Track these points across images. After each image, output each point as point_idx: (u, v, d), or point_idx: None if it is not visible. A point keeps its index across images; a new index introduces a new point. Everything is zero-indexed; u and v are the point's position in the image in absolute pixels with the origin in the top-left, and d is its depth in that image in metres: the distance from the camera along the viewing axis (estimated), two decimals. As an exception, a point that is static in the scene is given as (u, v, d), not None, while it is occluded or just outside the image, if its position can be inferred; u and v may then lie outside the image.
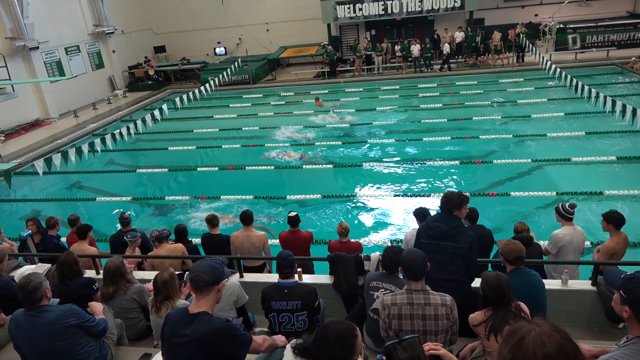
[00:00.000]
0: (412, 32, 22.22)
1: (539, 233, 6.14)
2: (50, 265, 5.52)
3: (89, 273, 5.50)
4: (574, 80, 11.94)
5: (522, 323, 1.54)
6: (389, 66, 21.48)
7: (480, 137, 12.77)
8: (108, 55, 22.34)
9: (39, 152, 14.15)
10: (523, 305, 3.23)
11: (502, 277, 3.16)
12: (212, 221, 6.24)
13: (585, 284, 4.71)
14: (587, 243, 6.42)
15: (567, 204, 5.25)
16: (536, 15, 22.84)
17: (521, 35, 19.24)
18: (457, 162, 11.31)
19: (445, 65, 20.37)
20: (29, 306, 3.37)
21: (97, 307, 3.93)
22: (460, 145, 12.47)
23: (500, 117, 14.27)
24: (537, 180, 9.93)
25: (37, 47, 17.54)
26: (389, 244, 7.97)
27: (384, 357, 3.29)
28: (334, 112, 16.00)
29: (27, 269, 5.46)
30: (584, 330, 4.60)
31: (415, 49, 20.34)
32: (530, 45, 18.02)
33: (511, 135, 12.60)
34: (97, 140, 10.60)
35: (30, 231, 6.48)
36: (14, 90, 12.84)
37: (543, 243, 5.52)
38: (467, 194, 4.25)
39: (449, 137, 12.88)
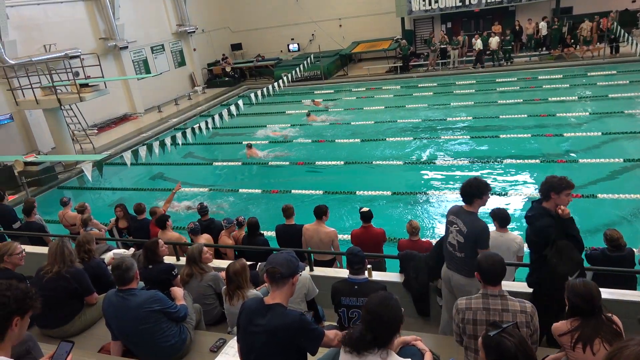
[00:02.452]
0: (490, 23, 21.22)
1: (632, 239, 5.62)
2: (134, 249, 5.94)
3: (170, 259, 5.83)
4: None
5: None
6: (465, 60, 20.69)
7: (564, 134, 11.96)
8: (189, 53, 23.52)
9: (126, 145, 15.24)
10: (615, 318, 2.97)
11: (591, 285, 2.92)
12: (286, 212, 6.29)
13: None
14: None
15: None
16: (634, 1, 20.82)
17: (615, 23, 17.66)
18: (537, 160, 10.66)
19: (478, 64, 19.60)
20: (121, 286, 3.64)
21: (178, 292, 4.15)
22: (542, 143, 11.74)
23: (587, 113, 13.26)
24: (630, 182, 9.12)
25: (127, 47, 18.89)
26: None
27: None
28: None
29: (117, 252, 5.90)
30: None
31: (494, 41, 19.39)
32: (626, 34, 16.52)
33: (600, 133, 11.67)
34: (178, 134, 11.21)
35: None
36: (106, 87, 13.92)
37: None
38: (571, 181, 3.79)
39: (529, 135, 12.18)
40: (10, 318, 2.22)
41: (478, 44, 19.41)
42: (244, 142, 13.85)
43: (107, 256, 5.82)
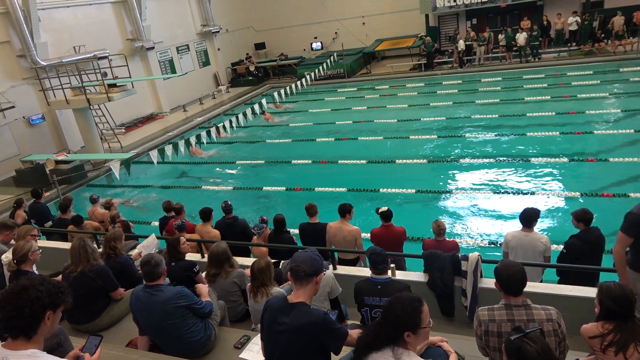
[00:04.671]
0: (517, 19, 20.78)
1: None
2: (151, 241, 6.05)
3: (194, 256, 5.92)
4: None
5: None
6: (491, 56, 20.31)
7: (595, 132, 11.62)
8: (213, 53, 23.78)
9: (153, 144, 15.51)
10: (647, 321, 2.87)
11: (626, 288, 2.82)
12: (309, 210, 6.28)
13: None
14: None
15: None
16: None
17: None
18: (565, 159, 10.39)
19: (462, 63, 19.63)
20: (149, 282, 3.71)
21: (203, 289, 4.21)
22: (570, 141, 11.44)
23: (619, 110, 12.84)
24: (664, 182, 8.80)
25: (153, 47, 19.21)
26: (488, 245, 7.60)
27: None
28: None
29: (144, 245, 6.01)
30: None
31: (521, 37, 18.97)
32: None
33: (633, 130, 11.28)
34: (203, 133, 11.37)
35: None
36: (133, 87, 14.20)
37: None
38: None
39: (557, 133, 11.88)
40: (43, 311, 2.29)
41: (460, 44, 19.23)
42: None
43: (134, 252, 5.94)
